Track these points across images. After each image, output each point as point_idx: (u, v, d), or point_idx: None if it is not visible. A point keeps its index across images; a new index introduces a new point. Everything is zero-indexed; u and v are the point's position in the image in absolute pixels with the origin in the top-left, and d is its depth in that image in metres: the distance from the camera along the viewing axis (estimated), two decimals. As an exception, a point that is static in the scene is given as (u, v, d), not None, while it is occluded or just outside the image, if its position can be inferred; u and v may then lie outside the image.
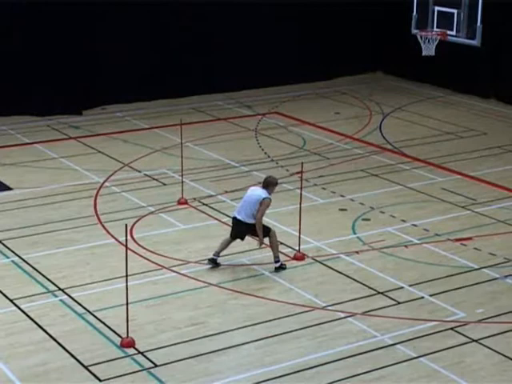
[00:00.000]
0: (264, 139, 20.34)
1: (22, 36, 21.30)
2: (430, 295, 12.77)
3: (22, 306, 12.28)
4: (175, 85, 23.39)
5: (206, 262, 13.68)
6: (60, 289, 12.82)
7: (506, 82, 23.39)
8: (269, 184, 13.45)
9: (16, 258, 13.83)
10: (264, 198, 13.27)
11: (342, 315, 12.19)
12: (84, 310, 12.21)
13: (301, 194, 14.31)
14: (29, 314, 12.09)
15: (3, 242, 14.41)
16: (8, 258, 13.87)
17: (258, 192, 13.42)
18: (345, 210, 16.08)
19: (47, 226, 15.13)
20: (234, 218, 13.57)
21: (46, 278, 13.14)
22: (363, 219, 15.62)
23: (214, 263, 13.58)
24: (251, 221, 13.32)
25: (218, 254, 13.59)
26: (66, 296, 12.61)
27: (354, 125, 21.48)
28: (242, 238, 13.74)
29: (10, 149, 19.39)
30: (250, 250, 14.13)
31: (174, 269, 13.53)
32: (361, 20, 25.74)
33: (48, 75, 21.60)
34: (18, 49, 21.29)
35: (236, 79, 24.15)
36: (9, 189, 16.94)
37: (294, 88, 24.90)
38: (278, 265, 13.52)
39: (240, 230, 13.51)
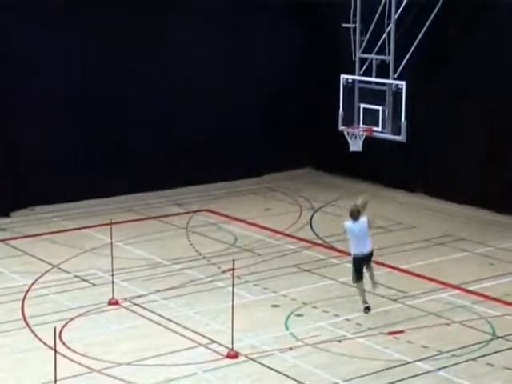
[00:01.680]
0: (195, 237, 20.29)
1: None
2: (366, 390, 12.70)
3: None
4: (104, 184, 23.27)
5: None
6: (-14, 396, 12.44)
7: (432, 176, 23.88)
8: (359, 212, 15.34)
9: None
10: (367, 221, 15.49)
11: (278, 414, 12.01)
12: (11, 418, 11.84)
13: (233, 291, 14.24)
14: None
15: None
16: None
17: (362, 220, 15.39)
18: (277, 306, 16.01)
19: (-27, 331, 14.75)
20: (365, 255, 15.49)
21: (-28, 386, 12.74)
22: (296, 315, 15.56)
23: (368, 309, 15.52)
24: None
25: (365, 301, 15.53)
26: (-8, 404, 12.23)
27: (285, 220, 21.59)
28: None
29: None
30: (183, 350, 13.95)
31: (105, 371, 13.22)
32: (289, 117, 26.16)
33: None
34: None
35: (166, 177, 24.18)
36: None
37: (224, 185, 25.00)
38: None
39: (367, 259, 15.55)
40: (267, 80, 25.56)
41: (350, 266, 18.08)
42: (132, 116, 23.63)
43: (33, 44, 21.88)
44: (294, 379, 13.01)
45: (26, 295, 16.44)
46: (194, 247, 19.48)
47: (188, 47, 24.09)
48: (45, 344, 14.08)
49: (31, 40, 21.84)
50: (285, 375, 13.15)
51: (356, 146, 21.08)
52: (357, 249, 15.52)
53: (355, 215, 15.33)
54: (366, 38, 21.47)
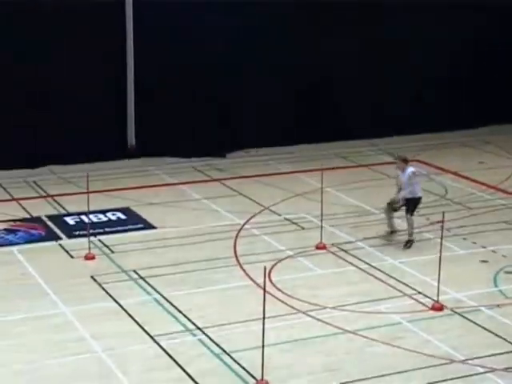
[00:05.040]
0: (405, 187, 20.18)
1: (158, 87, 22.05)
2: None
3: (161, 343, 12.57)
4: (318, 130, 23.54)
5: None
6: (198, 328, 13.06)
7: None
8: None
9: (157, 296, 14.18)
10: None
11: (482, 370, 11.90)
12: (221, 350, 12.39)
13: (441, 244, 14.14)
14: (168, 351, 12.36)
15: (146, 279, 14.82)
16: (150, 295, 14.25)
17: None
18: (486, 261, 15.76)
19: (188, 265, 15.47)
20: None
21: (186, 317, 13.41)
22: (506, 272, 15.24)
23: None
24: None
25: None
26: (203, 335, 12.84)
27: (499, 175, 21.04)
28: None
29: (156, 189, 19.97)
30: (388, 299, 14.06)
31: (310, 313, 13.56)
32: (506, 68, 25.32)
33: (194, 118, 22.22)
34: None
35: (378, 126, 24.13)
36: (153, 227, 17.43)
37: (437, 136, 24.63)
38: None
39: None
40: (484, 30, 24.84)
41: None
42: (340, 64, 23.67)
43: None
44: (501, 337, 12.81)
45: (238, 234, 17.04)
46: (403, 197, 19.40)
47: None
48: (254, 282, 14.60)
49: None
50: (491, 332, 12.97)
51: None
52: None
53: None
54: None
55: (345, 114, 23.79)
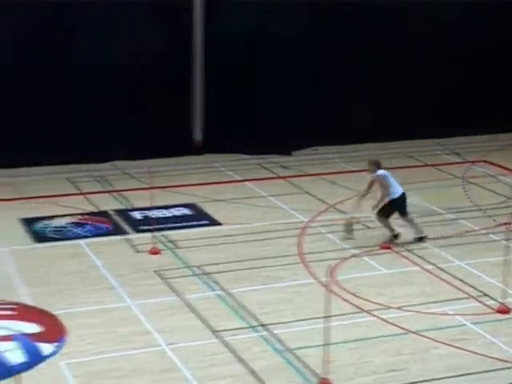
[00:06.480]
0: (471, 187, 19.99)
1: (242, 78, 22.13)
2: None
3: (224, 339, 12.65)
4: (386, 129, 23.42)
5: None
6: (262, 325, 13.11)
7: None
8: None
9: (222, 292, 14.27)
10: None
11: (549, 375, 11.75)
12: (284, 347, 12.41)
13: (508, 246, 13.95)
14: (230, 347, 12.43)
15: (211, 275, 14.92)
16: (214, 290, 14.34)
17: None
18: (555, 264, 15.52)
19: (253, 261, 15.53)
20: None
21: (249, 313, 13.47)
22: None
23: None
24: None
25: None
26: (267, 332, 12.87)
27: None
28: None
29: (222, 185, 20.08)
30: (453, 300, 13.94)
31: (374, 313, 13.52)
32: None
33: (261, 115, 22.29)
34: (239, 90, 22.14)
35: (447, 126, 23.90)
36: (219, 224, 17.53)
37: (505, 137, 24.31)
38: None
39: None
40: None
41: None
42: (409, 63, 23.51)
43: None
44: None
45: (303, 232, 17.05)
46: (469, 197, 19.22)
47: None
48: (318, 280, 14.60)
49: None
50: (558, 336, 12.82)
51: None
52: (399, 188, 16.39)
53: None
54: None
55: (412, 114, 23.63)
